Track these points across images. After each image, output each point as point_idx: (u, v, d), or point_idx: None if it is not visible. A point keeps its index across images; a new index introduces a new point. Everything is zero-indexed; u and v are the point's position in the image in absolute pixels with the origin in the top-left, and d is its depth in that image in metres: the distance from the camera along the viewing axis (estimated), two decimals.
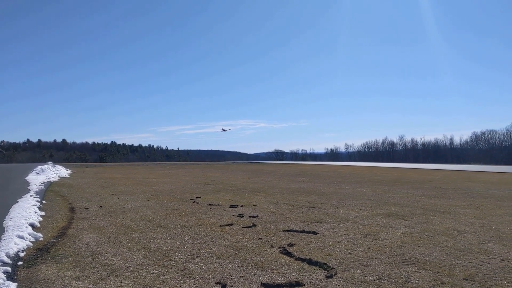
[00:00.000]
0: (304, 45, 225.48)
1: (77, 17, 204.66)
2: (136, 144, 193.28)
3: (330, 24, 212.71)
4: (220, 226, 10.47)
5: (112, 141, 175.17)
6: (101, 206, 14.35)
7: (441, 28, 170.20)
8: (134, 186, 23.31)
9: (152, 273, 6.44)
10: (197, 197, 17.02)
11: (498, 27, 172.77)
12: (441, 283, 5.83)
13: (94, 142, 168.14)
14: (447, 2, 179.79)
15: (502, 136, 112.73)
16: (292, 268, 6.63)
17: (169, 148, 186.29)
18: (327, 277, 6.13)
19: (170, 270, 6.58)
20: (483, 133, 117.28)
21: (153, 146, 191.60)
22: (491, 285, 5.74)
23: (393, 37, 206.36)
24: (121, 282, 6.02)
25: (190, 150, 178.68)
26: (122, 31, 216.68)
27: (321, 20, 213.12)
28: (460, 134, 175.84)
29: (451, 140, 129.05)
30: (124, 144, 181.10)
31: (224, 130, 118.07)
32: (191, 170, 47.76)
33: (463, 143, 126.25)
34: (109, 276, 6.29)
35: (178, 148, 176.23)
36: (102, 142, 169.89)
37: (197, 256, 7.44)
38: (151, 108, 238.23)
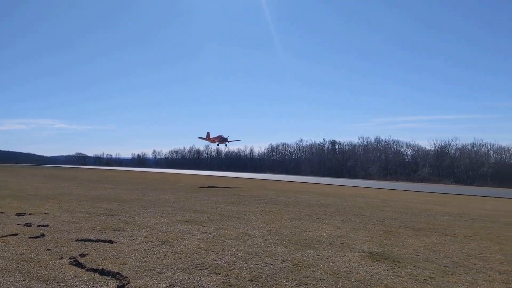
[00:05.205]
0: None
1: None
2: None
3: (177, 29, 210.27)
4: (2, 236, 9.23)
5: None
6: None
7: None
8: None
9: None
10: None
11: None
12: (229, 285, 6.21)
13: None
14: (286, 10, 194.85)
15: (292, 149, 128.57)
16: (82, 280, 6.21)
17: None
18: (119, 286, 5.94)
19: None
20: (278, 146, 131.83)
21: None
22: (272, 285, 6.35)
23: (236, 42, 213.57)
24: None
25: None
26: None
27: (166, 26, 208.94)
28: (259, 146, 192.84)
29: (251, 150, 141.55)
30: None
31: (225, 140, 49.54)
32: None
33: (261, 153, 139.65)
34: None
35: None
36: None
37: None
38: None
